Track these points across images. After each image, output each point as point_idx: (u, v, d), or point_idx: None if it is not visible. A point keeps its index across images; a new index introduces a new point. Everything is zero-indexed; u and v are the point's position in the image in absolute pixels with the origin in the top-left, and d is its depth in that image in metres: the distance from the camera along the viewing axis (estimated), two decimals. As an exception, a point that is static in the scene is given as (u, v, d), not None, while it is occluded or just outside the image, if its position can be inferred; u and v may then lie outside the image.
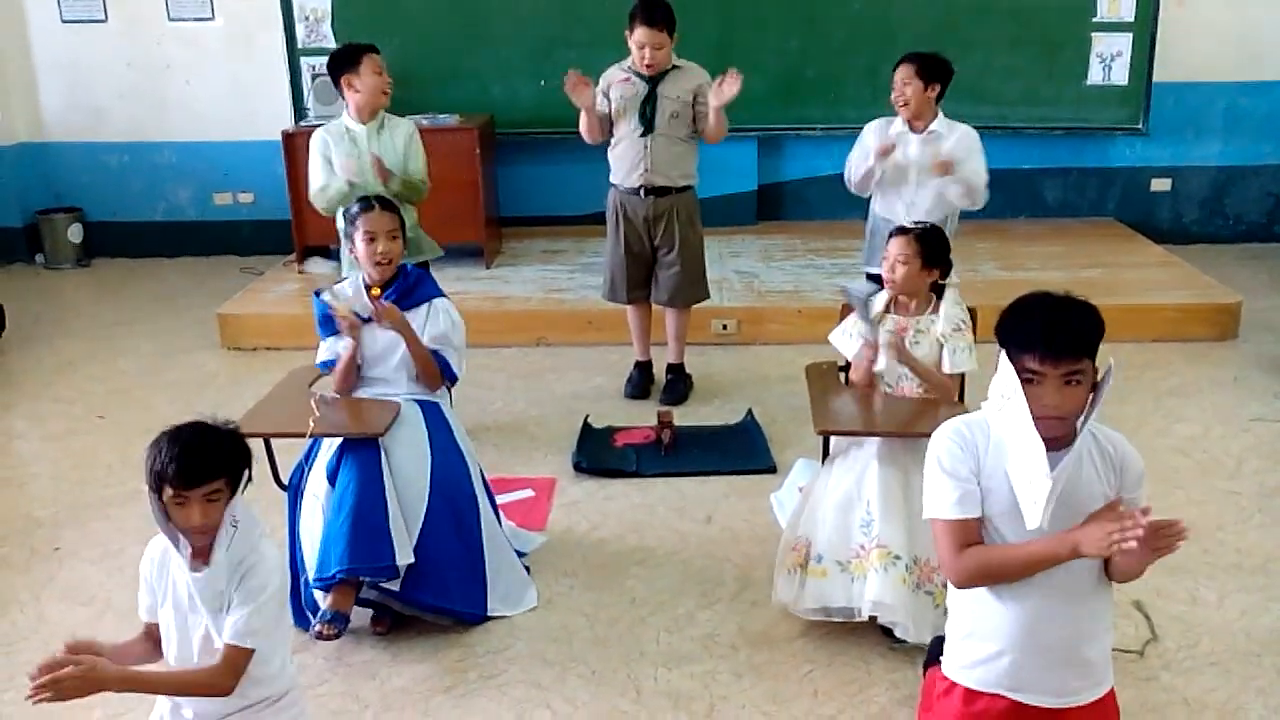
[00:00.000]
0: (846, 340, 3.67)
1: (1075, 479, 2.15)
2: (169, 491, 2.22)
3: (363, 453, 3.42)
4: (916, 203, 4.50)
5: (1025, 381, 2.12)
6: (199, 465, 2.23)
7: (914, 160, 4.51)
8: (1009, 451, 2.17)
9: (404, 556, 3.36)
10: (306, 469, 3.56)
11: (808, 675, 3.28)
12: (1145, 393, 5.17)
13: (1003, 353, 2.19)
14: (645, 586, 3.77)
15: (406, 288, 3.70)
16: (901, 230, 3.60)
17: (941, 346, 3.55)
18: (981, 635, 2.30)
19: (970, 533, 2.23)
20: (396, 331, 3.60)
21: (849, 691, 3.19)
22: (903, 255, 3.53)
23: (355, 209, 3.67)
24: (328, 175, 4.63)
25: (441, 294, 3.78)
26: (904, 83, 4.49)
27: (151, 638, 2.44)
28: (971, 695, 2.32)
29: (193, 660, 2.35)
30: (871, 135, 4.61)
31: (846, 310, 3.83)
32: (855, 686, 3.21)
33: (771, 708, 3.15)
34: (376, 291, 3.65)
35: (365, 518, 3.33)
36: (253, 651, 2.29)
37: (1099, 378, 2.16)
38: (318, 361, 3.76)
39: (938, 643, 3.03)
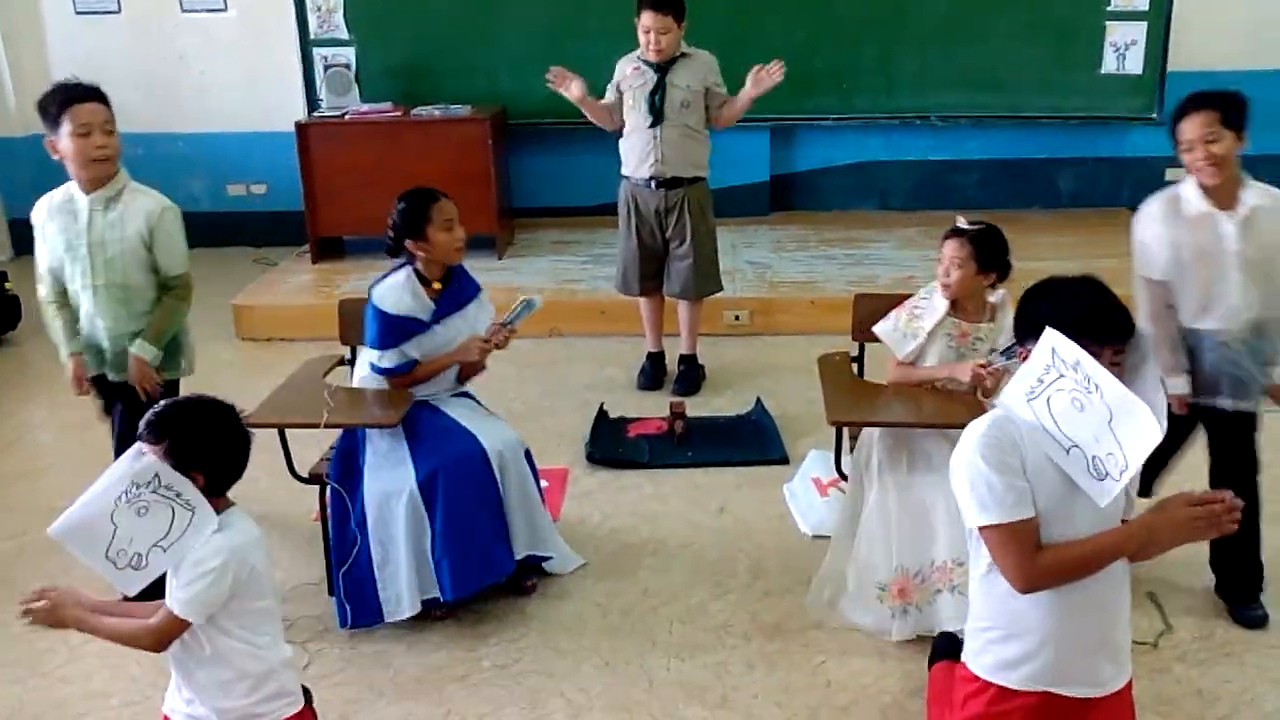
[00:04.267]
0: (899, 338, 3.48)
1: None
2: None
3: (468, 460, 3.49)
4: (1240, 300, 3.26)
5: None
6: (146, 423, 2.31)
7: (1230, 250, 3.26)
8: (1069, 430, 2.13)
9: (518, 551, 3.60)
10: (362, 459, 3.54)
11: (820, 666, 3.28)
12: (1159, 383, 5.15)
13: (1042, 338, 2.16)
14: (658, 577, 3.78)
15: (460, 285, 3.67)
16: (956, 231, 3.41)
17: None
18: (1019, 633, 2.28)
19: (1034, 532, 2.18)
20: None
21: (862, 683, 3.20)
22: (957, 258, 3.36)
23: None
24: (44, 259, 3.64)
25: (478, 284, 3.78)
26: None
27: None
28: (1006, 693, 2.31)
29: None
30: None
31: (889, 303, 3.66)
32: (868, 678, 3.22)
33: (784, 698, 3.15)
34: (437, 286, 3.60)
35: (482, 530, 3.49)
36: (186, 624, 2.28)
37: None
38: (385, 365, 3.58)
39: (944, 639, 3.04)
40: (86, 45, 7.74)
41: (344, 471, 3.53)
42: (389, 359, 3.56)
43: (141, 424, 2.30)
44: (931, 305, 3.47)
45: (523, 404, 5.24)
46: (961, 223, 3.44)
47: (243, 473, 2.38)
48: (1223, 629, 3.39)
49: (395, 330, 3.54)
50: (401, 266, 3.61)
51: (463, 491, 3.44)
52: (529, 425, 4.99)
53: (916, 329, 3.46)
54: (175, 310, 3.62)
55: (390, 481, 3.47)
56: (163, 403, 2.36)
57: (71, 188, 3.57)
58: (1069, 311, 2.18)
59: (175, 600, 2.27)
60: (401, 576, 3.44)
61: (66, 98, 3.51)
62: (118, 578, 2.27)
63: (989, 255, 3.38)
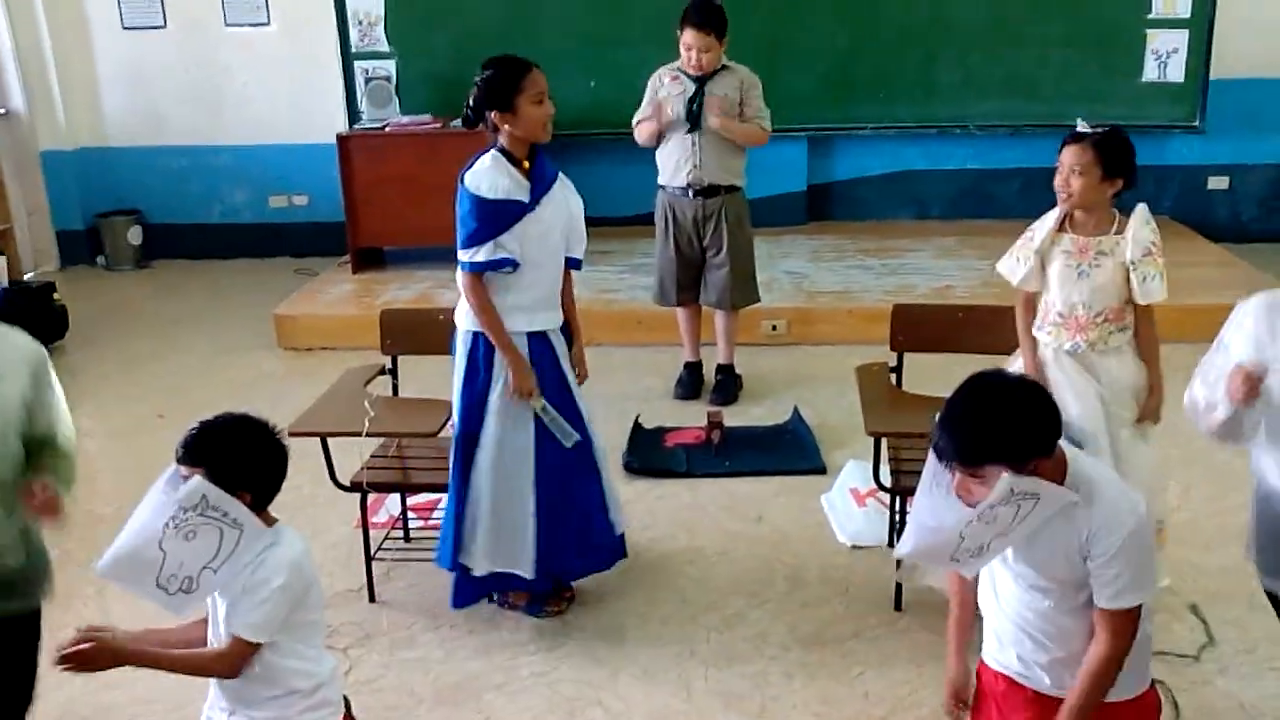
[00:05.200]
0: (1013, 265, 3.33)
1: (1042, 528, 2.09)
2: None
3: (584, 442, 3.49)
4: None
5: (941, 459, 2.10)
6: (189, 444, 2.27)
7: None
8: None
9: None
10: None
11: (859, 677, 3.28)
12: (1202, 394, 5.10)
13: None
14: (696, 586, 3.78)
15: (544, 164, 3.37)
16: (1075, 137, 3.13)
17: (1128, 273, 3.16)
18: (987, 616, 2.34)
19: None
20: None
21: (899, 694, 3.19)
22: (1079, 165, 3.09)
23: None
24: None
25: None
26: None
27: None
28: (983, 668, 2.37)
29: (221, 640, 2.37)
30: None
31: (927, 313, 3.64)
32: (906, 689, 3.21)
33: (822, 709, 3.15)
34: (527, 165, 3.31)
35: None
36: (256, 645, 2.28)
37: (1008, 493, 2.00)
38: (480, 260, 3.25)
39: None
40: (133, 59, 7.87)
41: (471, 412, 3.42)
42: (484, 252, 3.24)
43: (178, 447, 2.26)
44: (1043, 222, 3.28)
45: (561, 413, 5.26)
46: (1082, 126, 3.17)
47: (281, 485, 2.37)
48: (1266, 643, 3.35)
49: (496, 217, 3.24)
50: (484, 152, 3.34)
51: (574, 472, 3.48)
52: (567, 434, 5.02)
53: (1027, 252, 3.28)
54: (70, 467, 2.67)
55: (515, 435, 3.41)
56: (196, 424, 2.30)
57: None
58: (943, 410, 2.11)
59: (246, 625, 2.27)
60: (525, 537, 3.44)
61: None
62: (169, 603, 2.26)
63: (1114, 160, 3.10)
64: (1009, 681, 2.29)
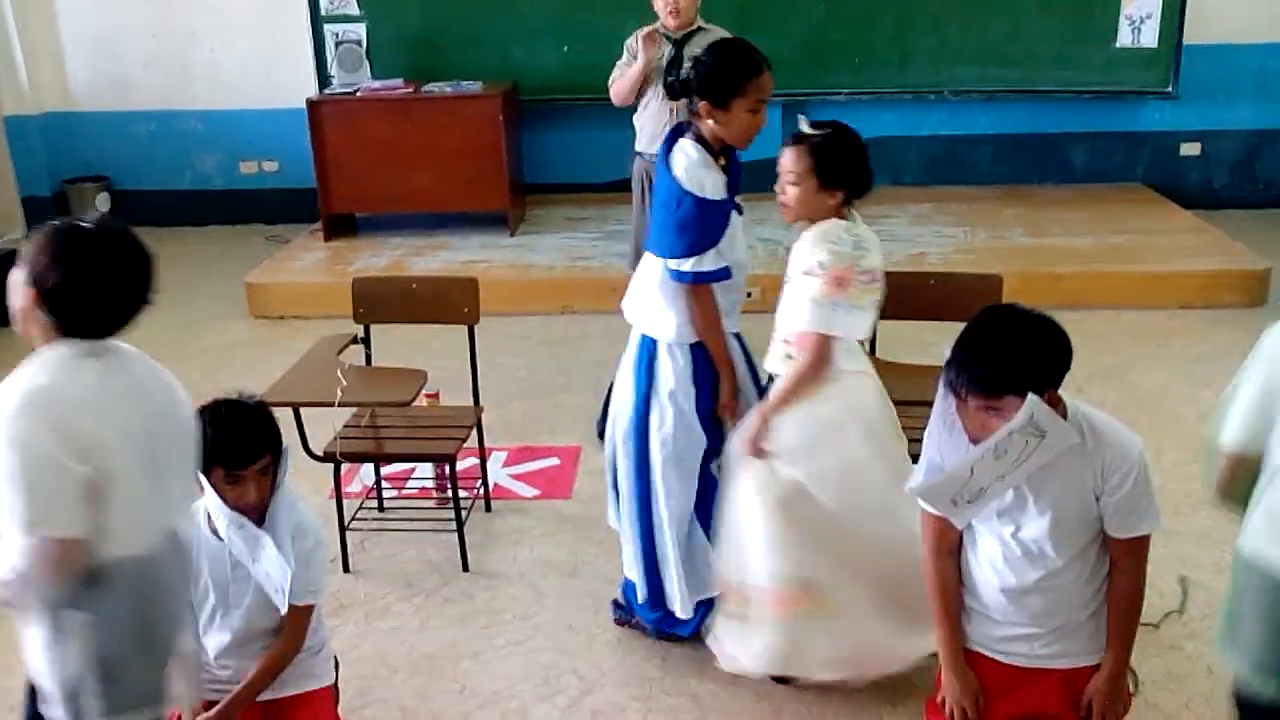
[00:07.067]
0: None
1: (1049, 465, 2.13)
2: (220, 472, 2.32)
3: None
4: None
5: (955, 393, 2.13)
6: (249, 443, 2.33)
7: None
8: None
9: None
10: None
11: (832, 642, 3.30)
12: (1173, 360, 5.14)
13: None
14: (670, 554, 3.79)
15: (736, 165, 3.12)
16: (794, 138, 2.80)
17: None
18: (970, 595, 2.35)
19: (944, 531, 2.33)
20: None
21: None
22: (793, 172, 2.76)
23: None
24: None
25: None
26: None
27: None
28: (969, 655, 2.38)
29: (237, 629, 2.44)
30: None
31: (900, 280, 3.34)
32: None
33: (795, 674, 3.17)
34: (723, 162, 3.06)
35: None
36: (314, 606, 2.44)
37: (1029, 417, 2.04)
38: (707, 268, 2.97)
39: None
40: (99, 23, 7.74)
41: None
42: (709, 260, 2.94)
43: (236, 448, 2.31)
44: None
45: (535, 381, 5.25)
46: (804, 126, 2.81)
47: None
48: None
49: (718, 221, 2.95)
50: (677, 135, 3.03)
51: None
52: (541, 402, 5.01)
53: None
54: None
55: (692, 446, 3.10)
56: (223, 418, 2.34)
57: None
58: (959, 345, 2.13)
59: (312, 590, 2.42)
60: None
61: None
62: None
63: (832, 168, 2.73)
64: (984, 659, 2.32)
